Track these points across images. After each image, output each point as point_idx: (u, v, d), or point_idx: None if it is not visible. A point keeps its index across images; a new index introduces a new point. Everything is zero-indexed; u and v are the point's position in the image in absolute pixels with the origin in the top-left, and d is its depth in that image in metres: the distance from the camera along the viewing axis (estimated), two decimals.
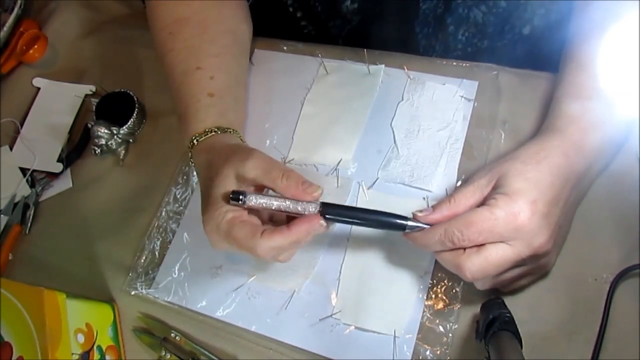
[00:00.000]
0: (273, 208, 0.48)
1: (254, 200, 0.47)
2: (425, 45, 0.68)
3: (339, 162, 0.60)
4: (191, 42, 0.62)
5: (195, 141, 0.56)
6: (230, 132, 0.57)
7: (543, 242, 0.44)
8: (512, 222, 0.43)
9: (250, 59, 0.69)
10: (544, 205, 0.44)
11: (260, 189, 0.50)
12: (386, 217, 0.48)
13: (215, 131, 0.56)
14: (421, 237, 0.47)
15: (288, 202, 0.47)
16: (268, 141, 0.64)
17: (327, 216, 0.47)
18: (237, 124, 0.59)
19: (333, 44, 0.69)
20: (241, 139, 0.58)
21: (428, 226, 0.47)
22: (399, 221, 0.47)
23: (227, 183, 0.49)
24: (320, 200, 0.48)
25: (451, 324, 0.50)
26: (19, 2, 0.84)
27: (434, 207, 0.47)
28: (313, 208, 0.47)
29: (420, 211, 0.47)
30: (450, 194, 0.48)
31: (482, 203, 0.46)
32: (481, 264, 0.44)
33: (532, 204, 0.43)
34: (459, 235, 0.44)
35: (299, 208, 0.47)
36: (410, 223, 0.47)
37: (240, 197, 0.47)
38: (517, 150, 0.49)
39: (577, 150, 0.48)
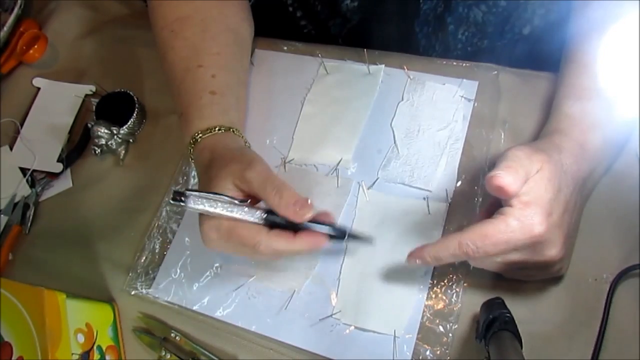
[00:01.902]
0: (219, 213, 0.47)
1: (193, 204, 0.47)
2: (425, 44, 0.68)
3: (339, 162, 0.60)
4: (193, 40, 0.62)
5: (198, 138, 0.56)
6: (233, 131, 0.57)
7: (555, 253, 0.44)
8: (527, 234, 0.43)
9: (250, 59, 0.69)
10: (558, 216, 0.44)
11: (257, 199, 0.50)
12: (327, 229, 0.48)
13: (219, 129, 0.56)
14: (432, 252, 0.45)
15: (234, 209, 0.48)
16: (268, 141, 0.64)
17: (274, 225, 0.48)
18: (239, 123, 0.59)
19: (333, 44, 0.69)
20: (243, 139, 0.58)
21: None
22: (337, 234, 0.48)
23: (225, 189, 0.49)
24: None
25: (451, 324, 0.50)
26: (19, 2, 0.83)
27: (511, 177, 0.42)
28: (258, 218, 0.48)
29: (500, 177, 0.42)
30: (508, 162, 0.44)
31: None
32: (489, 264, 0.46)
33: (548, 216, 0.43)
34: (473, 249, 0.43)
35: (247, 217, 0.48)
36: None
37: (182, 197, 0.47)
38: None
39: (582, 152, 0.48)
